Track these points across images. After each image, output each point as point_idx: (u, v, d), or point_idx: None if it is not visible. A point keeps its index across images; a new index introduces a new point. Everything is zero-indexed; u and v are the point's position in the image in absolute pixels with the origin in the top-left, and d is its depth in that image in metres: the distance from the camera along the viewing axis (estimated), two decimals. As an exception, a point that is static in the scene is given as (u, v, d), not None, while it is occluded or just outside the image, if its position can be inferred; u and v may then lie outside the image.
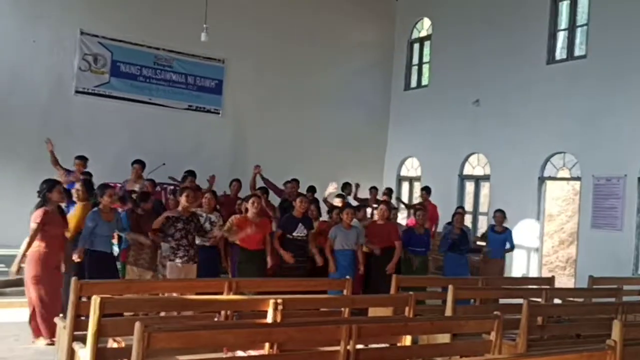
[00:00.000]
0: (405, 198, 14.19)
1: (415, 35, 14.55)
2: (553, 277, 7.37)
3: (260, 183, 9.66)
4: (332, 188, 9.13)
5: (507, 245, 9.20)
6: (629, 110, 9.63)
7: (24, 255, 5.82)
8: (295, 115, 13.24)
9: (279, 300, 4.34)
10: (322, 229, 7.81)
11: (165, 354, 3.65)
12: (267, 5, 12.86)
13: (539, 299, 5.97)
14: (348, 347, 3.71)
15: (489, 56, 12.04)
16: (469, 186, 12.83)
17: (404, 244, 8.01)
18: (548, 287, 6.75)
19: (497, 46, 11.89)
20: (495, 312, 4.25)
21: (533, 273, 10.82)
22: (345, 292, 5.54)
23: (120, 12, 11.46)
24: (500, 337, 4.14)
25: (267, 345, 4.02)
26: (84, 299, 4.45)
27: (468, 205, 12.55)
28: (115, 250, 7.09)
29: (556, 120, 10.70)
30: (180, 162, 10.41)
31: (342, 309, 5.12)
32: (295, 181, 9.79)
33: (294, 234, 7.34)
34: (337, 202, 9.16)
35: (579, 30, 10.87)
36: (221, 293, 4.92)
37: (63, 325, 4.56)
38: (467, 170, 12.72)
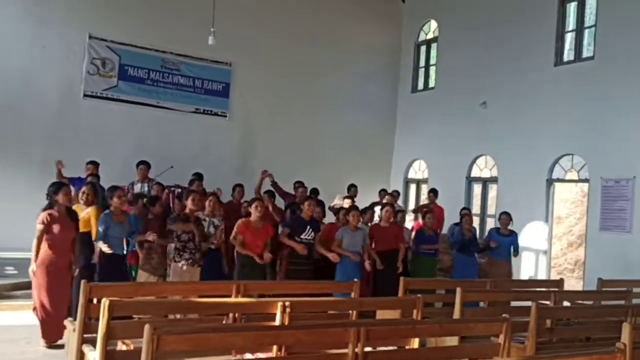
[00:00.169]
0: (412, 200, 14.19)
1: (422, 37, 14.54)
2: (562, 279, 7.35)
3: (266, 188, 9.66)
4: (340, 199, 9.13)
5: (511, 250, 9.12)
6: (637, 112, 9.57)
7: (36, 255, 5.87)
8: (302, 118, 13.26)
9: (287, 303, 4.35)
10: (329, 232, 7.80)
11: (174, 357, 3.65)
12: (273, 8, 12.91)
13: (547, 302, 5.95)
14: (356, 350, 3.71)
15: (496, 58, 12.01)
16: (477, 188, 12.80)
17: (415, 246, 8.01)
18: (557, 289, 6.73)
19: (504, 48, 11.86)
20: (503, 315, 4.24)
21: (541, 275, 10.76)
22: (353, 294, 5.54)
23: (128, 17, 11.54)
24: (509, 339, 4.13)
25: (275, 347, 4.03)
26: (94, 301, 4.48)
27: (476, 208, 12.52)
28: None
29: (564, 122, 10.66)
30: (188, 165, 10.46)
31: (350, 311, 5.12)
32: (300, 183, 9.82)
33: (302, 236, 7.35)
34: (346, 202, 9.17)
35: (586, 31, 10.82)
36: (228, 296, 4.93)
37: (73, 328, 4.59)
38: (475, 172, 12.68)
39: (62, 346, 5.69)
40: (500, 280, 7.64)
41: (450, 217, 10.08)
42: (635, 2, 9.82)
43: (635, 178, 9.47)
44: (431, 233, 8.57)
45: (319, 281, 6.79)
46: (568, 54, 11.07)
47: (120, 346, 4.40)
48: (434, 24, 14.20)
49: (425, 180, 13.71)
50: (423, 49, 14.48)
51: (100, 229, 6.25)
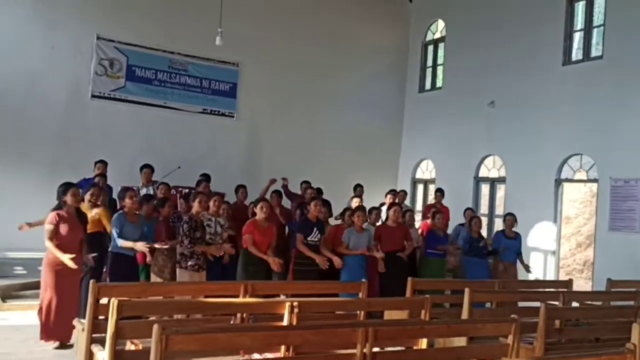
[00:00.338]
0: (420, 201, 14.16)
1: (429, 37, 14.51)
2: (571, 280, 7.32)
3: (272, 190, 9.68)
4: (354, 203, 9.15)
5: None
6: (646, 111, 9.52)
7: (36, 224, 6.22)
8: (309, 118, 13.26)
9: (295, 303, 4.36)
10: (334, 233, 7.79)
11: (183, 356, 3.66)
12: (281, 9, 12.91)
13: (556, 302, 5.92)
14: (364, 350, 3.70)
15: (504, 57, 11.96)
16: (485, 188, 12.75)
17: (426, 247, 8.00)
18: (565, 290, 6.69)
19: (512, 47, 11.81)
20: (512, 315, 4.22)
21: (550, 276, 10.71)
22: (360, 295, 5.53)
23: (135, 17, 11.58)
24: (518, 340, 4.11)
25: (283, 348, 4.03)
26: (103, 301, 4.49)
27: (483, 208, 12.49)
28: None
29: (573, 122, 10.60)
30: (195, 166, 10.50)
31: (358, 312, 5.11)
32: (307, 183, 9.83)
33: (309, 238, 7.33)
34: (354, 202, 9.17)
35: (595, 30, 10.75)
36: (236, 296, 4.93)
37: (82, 328, 4.61)
38: (483, 172, 12.64)
39: (71, 346, 5.73)
40: (509, 281, 7.62)
41: (457, 218, 10.05)
42: (645, 0, 9.76)
43: (645, 178, 9.40)
44: (441, 233, 8.55)
45: (326, 281, 6.79)
46: (576, 54, 11.01)
47: (129, 346, 4.42)
48: (441, 24, 14.16)
49: (432, 180, 13.68)
50: (430, 48, 14.45)
51: (116, 230, 6.29)
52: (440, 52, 14.12)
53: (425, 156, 14.05)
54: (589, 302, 6.62)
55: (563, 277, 11.10)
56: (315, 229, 7.36)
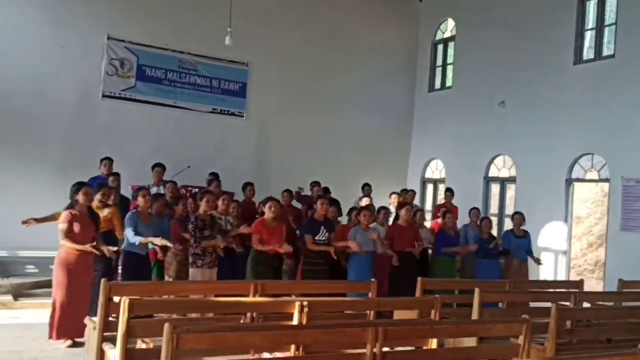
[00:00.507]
0: (429, 200, 14.12)
1: (439, 36, 14.46)
2: (582, 280, 7.26)
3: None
4: (364, 202, 9.15)
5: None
6: (659, 111, 9.44)
7: (43, 220, 6.15)
8: (318, 118, 13.25)
9: (305, 303, 4.36)
10: (342, 233, 7.78)
11: (194, 355, 3.68)
12: (290, 8, 12.92)
13: (567, 303, 5.88)
14: (374, 350, 3.70)
15: (514, 56, 11.90)
16: (495, 188, 12.69)
17: (436, 246, 7.99)
18: (577, 290, 6.65)
19: (522, 46, 11.75)
20: (523, 316, 4.20)
21: (561, 276, 10.65)
22: (370, 294, 5.53)
23: (146, 17, 11.63)
24: (529, 340, 4.09)
25: (293, 347, 4.03)
26: (115, 300, 4.52)
27: (493, 207, 12.43)
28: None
29: (584, 121, 10.53)
30: (204, 165, 10.52)
31: (367, 311, 5.11)
32: (317, 183, 9.83)
33: (317, 237, 7.33)
34: (364, 201, 9.16)
35: (607, 29, 10.67)
36: (246, 295, 4.94)
37: (93, 326, 4.64)
38: (493, 172, 12.58)
39: (82, 344, 5.76)
40: (519, 281, 7.58)
41: (466, 218, 10.00)
42: (657, -1, 9.68)
43: (657, 178, 9.33)
44: (452, 233, 8.52)
45: (335, 281, 6.79)
46: (588, 53, 10.93)
47: (140, 344, 4.44)
48: (451, 23, 14.11)
49: (442, 180, 13.64)
50: (440, 48, 14.40)
51: (131, 230, 6.34)
52: (450, 52, 14.07)
53: (435, 156, 14.01)
54: (601, 303, 6.57)
55: (574, 277, 11.03)
56: (322, 227, 7.35)
